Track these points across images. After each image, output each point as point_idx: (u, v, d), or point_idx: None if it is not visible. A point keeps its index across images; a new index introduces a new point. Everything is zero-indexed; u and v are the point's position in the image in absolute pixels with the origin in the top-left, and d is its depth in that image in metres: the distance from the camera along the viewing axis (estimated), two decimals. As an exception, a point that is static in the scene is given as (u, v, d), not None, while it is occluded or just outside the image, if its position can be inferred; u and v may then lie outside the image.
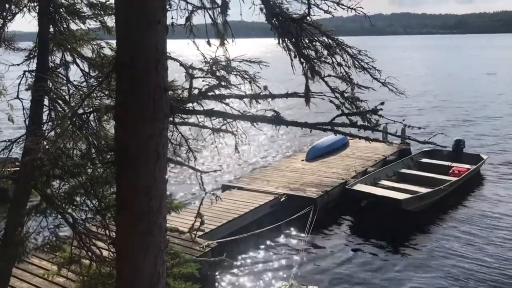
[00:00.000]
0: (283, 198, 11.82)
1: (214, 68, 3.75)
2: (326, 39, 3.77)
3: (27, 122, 5.57)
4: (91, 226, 5.23)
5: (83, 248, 5.07)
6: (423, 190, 11.88)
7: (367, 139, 3.66)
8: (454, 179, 12.80)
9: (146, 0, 2.78)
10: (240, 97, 3.68)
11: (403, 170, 13.98)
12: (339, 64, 3.78)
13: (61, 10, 5.75)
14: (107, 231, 4.97)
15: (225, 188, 12.87)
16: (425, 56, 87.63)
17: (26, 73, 5.66)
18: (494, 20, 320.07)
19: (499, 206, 12.26)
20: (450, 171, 13.59)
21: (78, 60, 5.84)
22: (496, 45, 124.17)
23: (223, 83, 3.71)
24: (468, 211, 12.03)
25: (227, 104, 3.72)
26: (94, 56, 5.98)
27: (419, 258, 9.54)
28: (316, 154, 15.52)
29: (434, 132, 17.56)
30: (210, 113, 3.56)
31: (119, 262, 3.15)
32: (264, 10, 3.61)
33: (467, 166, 13.85)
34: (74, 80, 5.56)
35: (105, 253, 5.12)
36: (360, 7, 3.61)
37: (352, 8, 3.55)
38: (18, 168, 5.27)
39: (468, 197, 12.91)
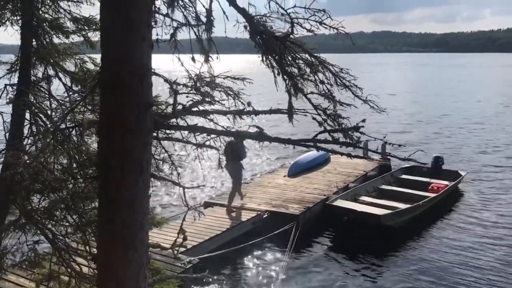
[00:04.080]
0: (266, 215, 11.81)
1: (198, 84, 3.79)
2: (309, 57, 3.84)
3: (7, 136, 5.52)
4: (71, 242, 5.15)
5: (62, 264, 4.98)
6: (402, 206, 12.01)
7: (349, 155, 3.71)
8: (433, 195, 12.98)
9: (131, 17, 2.81)
10: (224, 113, 3.71)
11: (383, 186, 14.13)
12: (322, 82, 3.84)
13: (45, 25, 5.75)
14: (87, 247, 4.91)
15: (207, 205, 12.80)
16: (407, 74, 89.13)
17: (8, 86, 5.62)
18: (472, 39, 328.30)
19: (476, 221, 12.46)
20: (429, 187, 13.78)
21: (60, 74, 5.83)
22: (474, 63, 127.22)
23: (207, 99, 3.74)
24: (447, 226, 12.20)
25: (211, 120, 3.75)
26: (77, 70, 5.98)
27: (399, 273, 9.60)
28: (298, 170, 15.57)
29: (414, 149, 17.77)
30: (194, 129, 3.58)
31: (100, 278, 3.12)
32: (248, 28, 3.67)
33: (446, 182, 14.07)
34: (58, 95, 5.54)
35: (85, 269, 5.05)
36: (342, 27, 3.70)
37: (334, 28, 3.63)
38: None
39: (447, 213, 13.09)
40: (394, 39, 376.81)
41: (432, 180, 14.22)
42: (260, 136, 3.56)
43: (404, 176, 15.01)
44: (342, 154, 3.73)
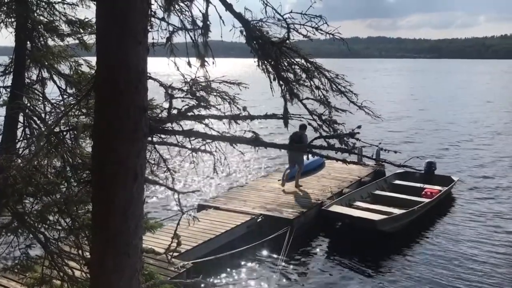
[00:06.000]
0: (260, 219, 11.77)
1: (194, 89, 3.77)
2: (304, 63, 3.84)
3: (0, 139, 5.48)
4: (64, 246, 5.11)
5: (54, 268, 4.94)
6: (396, 211, 12.02)
7: (344, 161, 3.71)
8: (426, 200, 13.00)
9: (128, 21, 2.80)
10: (220, 118, 3.70)
11: (377, 192, 14.14)
12: (317, 87, 3.84)
13: (39, 27, 5.73)
14: (80, 251, 4.87)
15: (201, 207, 12.75)
16: (402, 80, 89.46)
17: (1, 89, 5.59)
18: (466, 46, 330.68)
19: (469, 226, 12.51)
20: (423, 192, 13.81)
21: (55, 77, 5.81)
22: (469, 70, 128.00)
23: (202, 104, 3.72)
24: (441, 231, 12.23)
25: (206, 125, 3.74)
26: (72, 73, 5.95)
27: (394, 278, 9.60)
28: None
29: (407, 154, 17.93)
30: (189, 133, 3.56)
31: (94, 284, 3.09)
32: (244, 33, 3.66)
33: (439, 187, 14.11)
34: (52, 98, 5.51)
35: (77, 273, 5.00)
36: (338, 33, 3.70)
37: (331, 34, 3.63)
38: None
39: (440, 218, 13.14)
40: (389, 45, 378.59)
41: (425, 186, 14.26)
42: (256, 141, 3.56)
43: (397, 182, 15.03)
44: (337, 160, 3.73)
